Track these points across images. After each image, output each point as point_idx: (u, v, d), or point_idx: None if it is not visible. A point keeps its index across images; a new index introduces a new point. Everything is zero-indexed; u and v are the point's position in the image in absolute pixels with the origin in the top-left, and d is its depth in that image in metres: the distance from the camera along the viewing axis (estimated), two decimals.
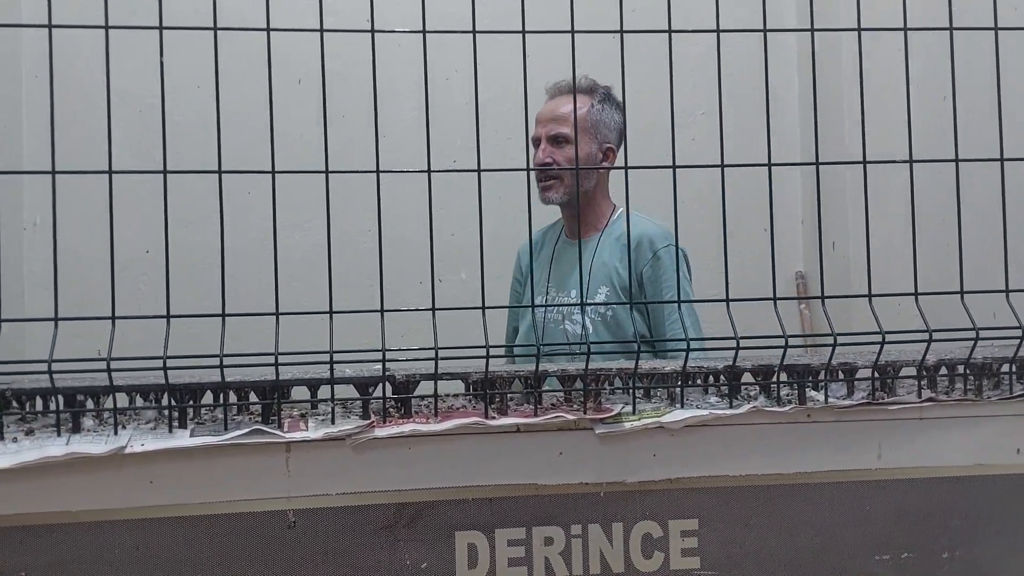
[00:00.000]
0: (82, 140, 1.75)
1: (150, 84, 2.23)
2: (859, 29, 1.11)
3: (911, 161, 1.11)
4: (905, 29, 1.12)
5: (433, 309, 1.06)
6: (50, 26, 1.02)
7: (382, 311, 1.05)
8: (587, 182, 1.85)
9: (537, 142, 1.86)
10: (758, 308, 1.14)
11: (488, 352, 1.06)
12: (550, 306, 1.89)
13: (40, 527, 0.98)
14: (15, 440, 1.00)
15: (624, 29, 1.08)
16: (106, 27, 1.03)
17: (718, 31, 1.09)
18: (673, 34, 1.11)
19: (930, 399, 1.11)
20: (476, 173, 1.05)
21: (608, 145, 1.85)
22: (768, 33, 1.13)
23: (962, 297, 1.11)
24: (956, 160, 1.12)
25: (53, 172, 1.03)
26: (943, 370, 1.16)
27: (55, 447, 0.98)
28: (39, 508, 0.98)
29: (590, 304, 1.78)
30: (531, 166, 1.81)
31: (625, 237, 1.70)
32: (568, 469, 1.06)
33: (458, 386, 1.16)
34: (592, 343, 1.63)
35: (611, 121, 1.84)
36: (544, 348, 1.46)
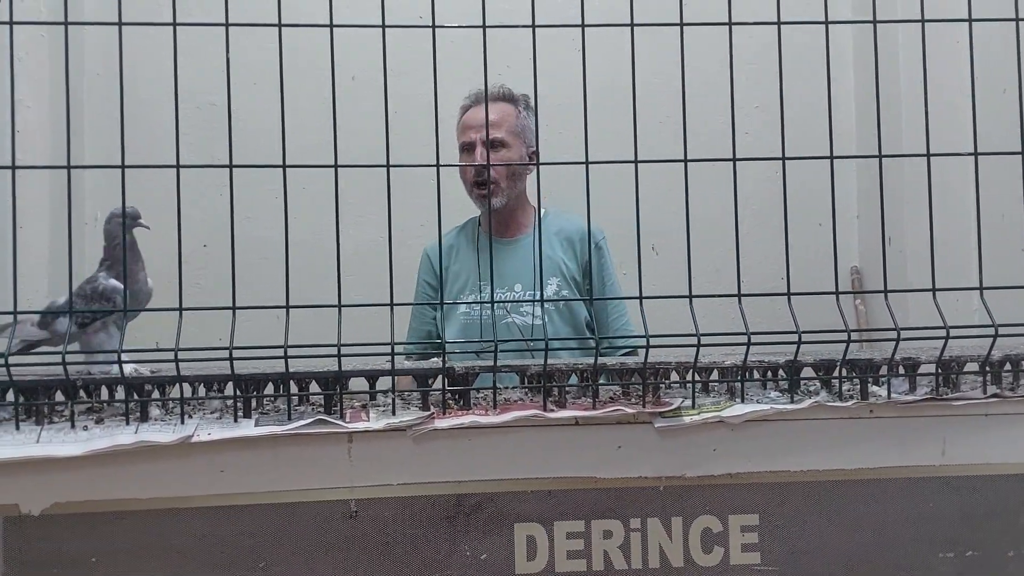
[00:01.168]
0: (140, 138, 1.79)
1: (207, 82, 2.28)
2: (923, 20, 1.09)
3: (976, 154, 1.10)
4: (970, 20, 1.10)
5: (492, 303, 1.07)
6: (120, 24, 1.04)
7: (441, 304, 1.06)
8: (520, 185, 1.97)
9: (470, 147, 1.91)
10: (814, 304, 1.13)
11: (547, 345, 1.07)
12: (522, 302, 1.89)
13: (109, 514, 1.01)
14: (85, 428, 1.02)
15: (683, 22, 1.08)
16: (174, 24, 1.05)
17: (779, 23, 1.08)
18: (728, 30, 1.10)
19: (995, 395, 1.09)
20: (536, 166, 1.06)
21: (532, 149, 1.96)
22: (826, 28, 1.12)
23: None
24: (1023, 152, 1.10)
25: (123, 167, 1.05)
26: (1008, 366, 1.14)
27: (124, 435, 1.00)
28: (108, 495, 1.01)
29: (548, 301, 1.86)
30: (466, 171, 1.90)
31: (563, 232, 1.94)
32: (627, 462, 1.06)
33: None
34: (551, 339, 1.71)
35: (531, 126, 1.95)
36: (488, 344, 1.52)
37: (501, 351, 1.06)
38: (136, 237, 1.19)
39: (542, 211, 2.03)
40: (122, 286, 1.13)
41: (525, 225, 1.99)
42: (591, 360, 1.10)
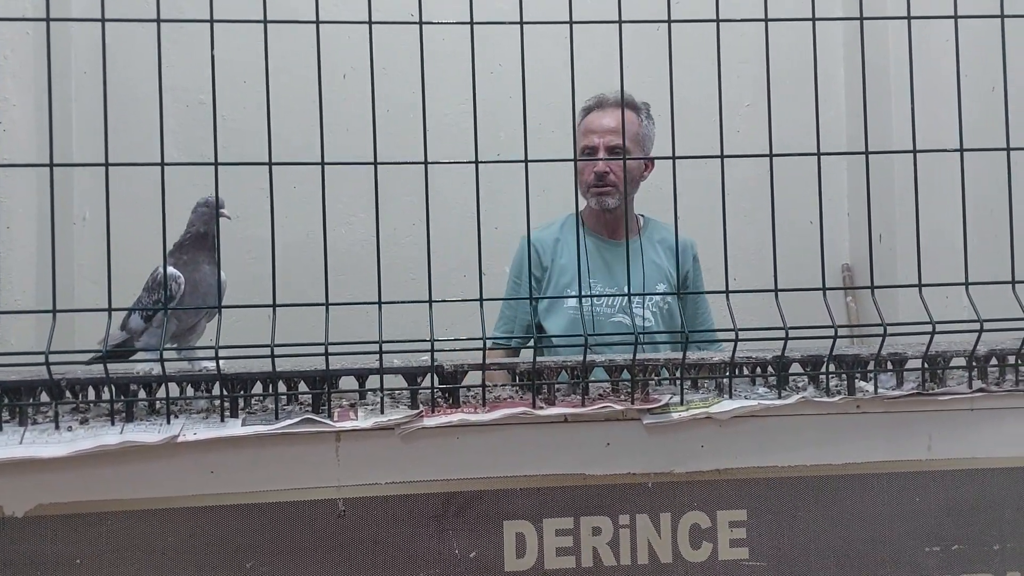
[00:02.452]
0: (129, 136, 1.78)
1: (196, 80, 2.28)
2: (908, 17, 1.10)
3: (961, 150, 1.10)
4: (956, 17, 1.11)
5: (481, 300, 1.06)
6: (103, 20, 1.03)
7: (430, 301, 1.05)
8: (634, 190, 2.03)
9: (593, 151, 1.97)
10: (805, 301, 1.13)
11: (536, 343, 1.06)
12: (608, 295, 1.96)
13: (94, 515, 1.00)
14: (70, 429, 1.02)
15: (671, 19, 1.08)
16: (158, 20, 1.04)
17: (766, 20, 1.09)
18: (716, 27, 1.10)
19: (981, 390, 1.10)
20: (524, 164, 1.05)
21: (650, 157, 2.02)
22: (813, 24, 1.12)
23: (1013, 287, 1.10)
24: (1008, 149, 1.10)
25: (107, 164, 1.04)
26: (993, 360, 1.15)
27: (110, 436, 0.99)
28: (93, 496, 1.00)
29: (650, 294, 1.95)
30: (585, 171, 1.96)
31: (666, 241, 2.05)
32: (616, 459, 1.06)
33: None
34: (647, 331, 1.84)
35: (652, 135, 2.03)
36: (595, 339, 1.62)
37: (607, 345, 1.05)
38: (204, 229, 1.18)
39: (642, 219, 2.12)
40: (180, 274, 1.13)
41: (634, 230, 2.06)
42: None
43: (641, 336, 1.06)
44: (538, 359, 1.09)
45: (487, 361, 1.07)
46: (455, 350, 1.06)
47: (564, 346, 1.68)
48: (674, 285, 1.97)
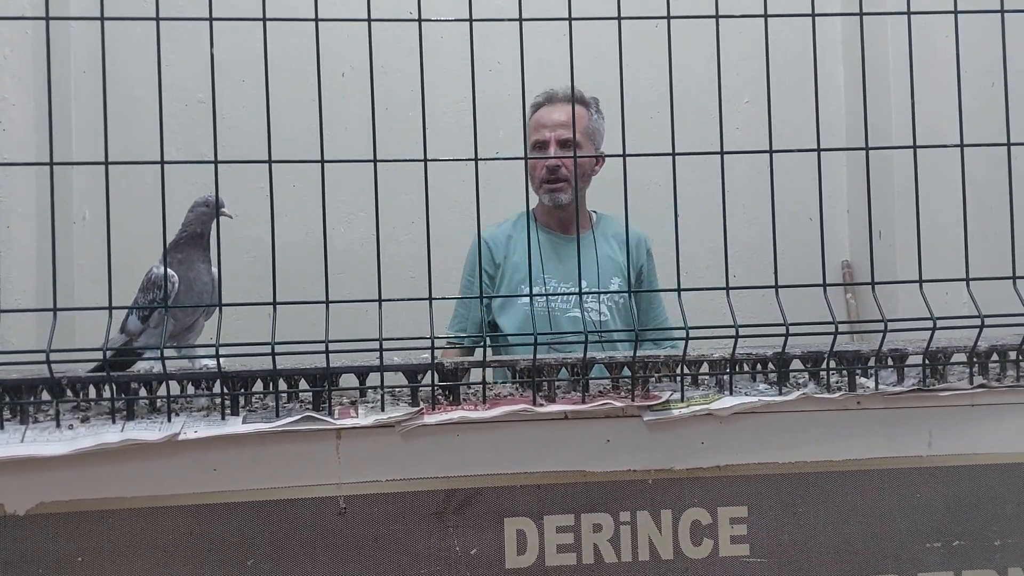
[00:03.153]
0: (129, 135, 1.78)
1: (196, 79, 2.28)
2: (908, 13, 1.10)
3: (961, 145, 1.10)
4: (956, 12, 1.10)
5: (481, 298, 1.06)
6: (102, 19, 1.03)
7: (430, 299, 1.05)
8: (585, 185, 2.04)
9: (543, 145, 1.98)
10: (805, 298, 1.13)
11: (536, 340, 1.06)
12: (563, 294, 1.95)
13: (95, 513, 1.00)
14: (71, 427, 1.02)
15: (671, 15, 1.08)
16: (157, 19, 1.04)
17: (765, 16, 1.08)
18: (715, 23, 1.10)
19: (981, 386, 1.10)
20: (523, 161, 1.05)
21: (600, 151, 2.02)
22: (812, 20, 1.12)
23: (1014, 282, 1.10)
24: (1008, 144, 1.10)
25: (106, 163, 1.04)
26: (994, 356, 1.15)
27: (110, 434, 1.00)
28: (95, 494, 1.00)
29: (604, 292, 1.95)
30: (537, 166, 1.96)
31: (619, 236, 2.04)
32: (616, 456, 1.06)
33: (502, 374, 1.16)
34: (604, 331, 1.83)
35: (602, 130, 2.04)
36: (547, 337, 1.67)
37: (565, 343, 1.06)
38: (200, 229, 1.18)
39: (594, 215, 2.12)
40: (174, 273, 1.13)
41: (584, 225, 2.06)
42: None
43: (596, 332, 1.06)
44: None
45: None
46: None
47: (519, 344, 1.67)
48: (626, 280, 1.97)
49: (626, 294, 1.93)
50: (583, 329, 1.06)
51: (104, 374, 1.04)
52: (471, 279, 2.05)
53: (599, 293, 1.93)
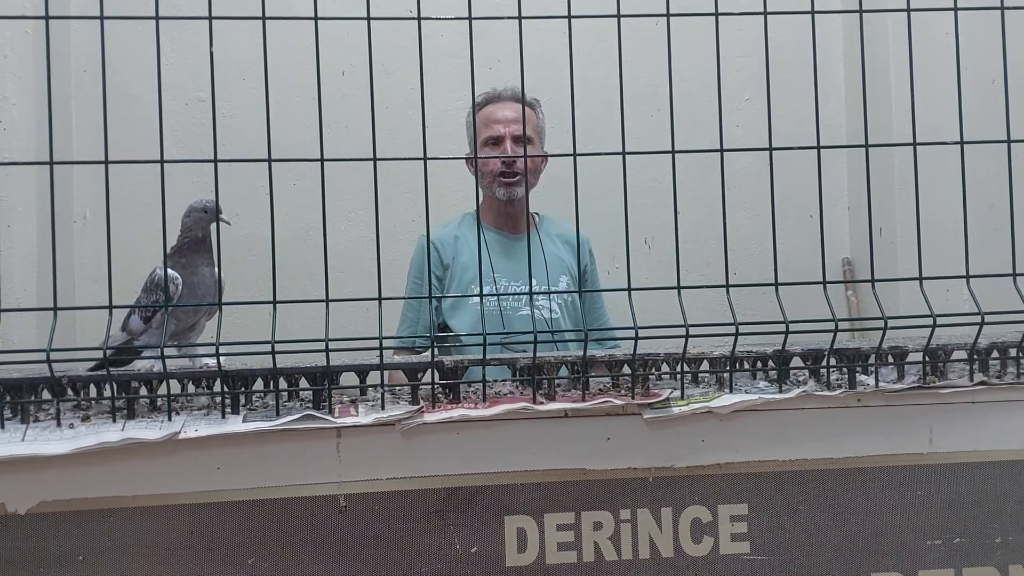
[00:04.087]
0: (129, 135, 1.78)
1: (195, 78, 2.28)
2: (908, 10, 1.09)
3: (962, 143, 1.10)
4: (956, 9, 1.10)
5: (481, 295, 1.06)
6: (102, 18, 1.03)
7: (431, 297, 1.05)
8: (535, 182, 2.03)
9: (497, 141, 1.98)
10: (805, 295, 1.13)
11: (536, 338, 1.06)
12: (515, 293, 1.96)
13: (96, 512, 1.00)
14: (72, 426, 1.02)
15: (670, 13, 1.07)
16: (156, 18, 1.04)
17: (765, 13, 1.08)
18: (715, 20, 1.10)
19: (982, 383, 1.10)
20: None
21: (545, 150, 2.05)
22: (812, 17, 1.12)
23: (1014, 279, 1.10)
24: (1008, 141, 1.10)
25: (106, 162, 1.04)
26: (995, 354, 1.15)
27: (111, 433, 1.00)
28: (95, 493, 1.00)
29: (553, 292, 1.97)
30: (491, 161, 1.95)
31: (563, 236, 2.07)
32: (616, 454, 1.06)
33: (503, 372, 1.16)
34: (556, 331, 1.85)
35: (545, 128, 2.07)
36: (498, 336, 1.65)
37: (517, 343, 1.07)
38: (201, 234, 1.18)
39: (537, 216, 2.12)
40: (177, 275, 1.13)
41: (531, 223, 2.05)
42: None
43: (548, 331, 1.06)
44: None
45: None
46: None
47: (471, 345, 1.64)
48: (573, 278, 2.01)
49: (575, 294, 1.95)
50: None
51: (104, 373, 1.04)
52: (419, 282, 2.03)
53: (551, 293, 1.95)
